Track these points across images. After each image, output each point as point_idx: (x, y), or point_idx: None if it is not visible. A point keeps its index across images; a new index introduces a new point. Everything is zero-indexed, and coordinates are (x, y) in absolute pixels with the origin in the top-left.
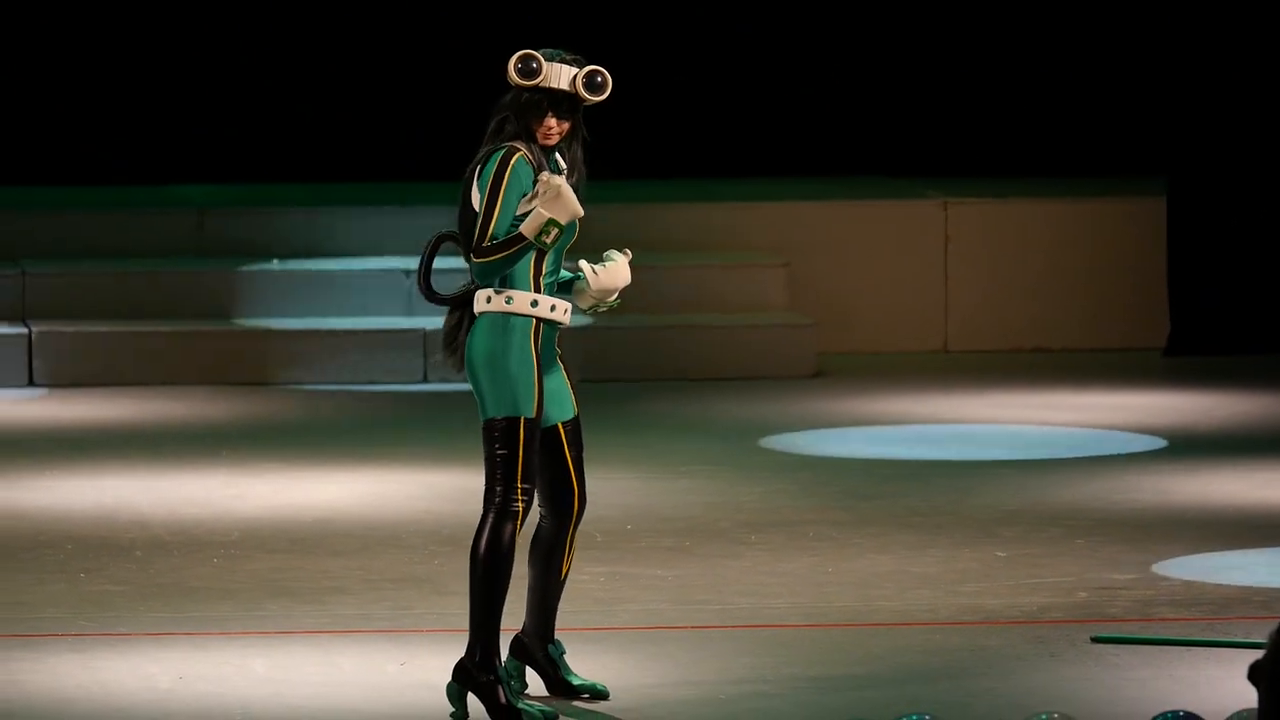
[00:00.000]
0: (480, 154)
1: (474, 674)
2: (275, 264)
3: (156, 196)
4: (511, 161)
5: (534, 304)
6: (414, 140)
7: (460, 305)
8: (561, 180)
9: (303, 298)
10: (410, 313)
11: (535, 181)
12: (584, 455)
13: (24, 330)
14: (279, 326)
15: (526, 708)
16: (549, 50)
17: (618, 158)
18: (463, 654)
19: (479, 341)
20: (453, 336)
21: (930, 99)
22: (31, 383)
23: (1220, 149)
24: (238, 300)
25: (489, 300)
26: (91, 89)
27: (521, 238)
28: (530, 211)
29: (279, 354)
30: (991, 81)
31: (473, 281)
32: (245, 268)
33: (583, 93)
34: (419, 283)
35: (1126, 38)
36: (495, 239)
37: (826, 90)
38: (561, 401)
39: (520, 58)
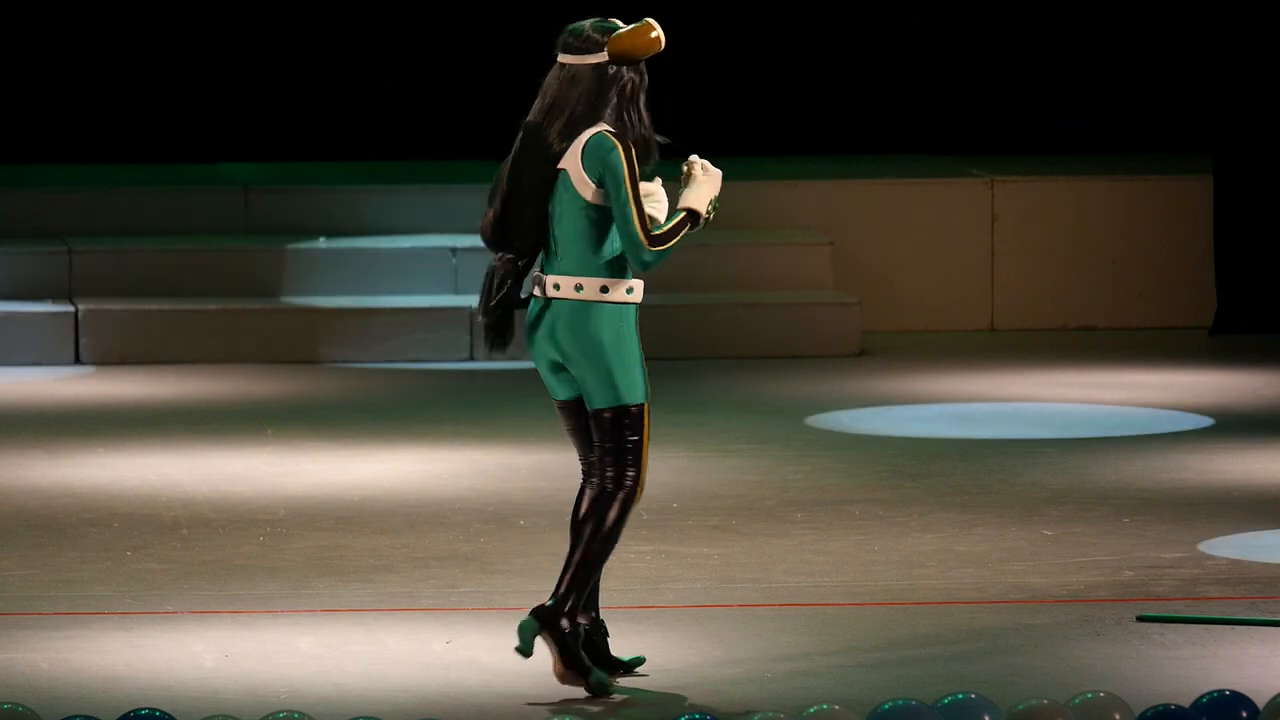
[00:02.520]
0: (571, 129)
1: (561, 624)
2: (321, 242)
3: (203, 175)
4: (627, 150)
5: (629, 290)
6: (460, 118)
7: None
8: (704, 160)
9: (349, 276)
10: (456, 291)
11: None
12: None
13: (71, 308)
14: (325, 305)
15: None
16: (595, 20)
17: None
18: (548, 602)
19: (602, 330)
20: (509, 323)
21: (976, 77)
22: (78, 361)
23: (1267, 127)
24: (284, 278)
25: (604, 290)
26: (138, 67)
27: (686, 222)
28: (651, 195)
29: (325, 332)
30: (1038, 59)
31: (541, 270)
32: (291, 246)
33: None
34: (494, 308)
35: (1173, 14)
36: (659, 226)
37: (872, 68)
38: None
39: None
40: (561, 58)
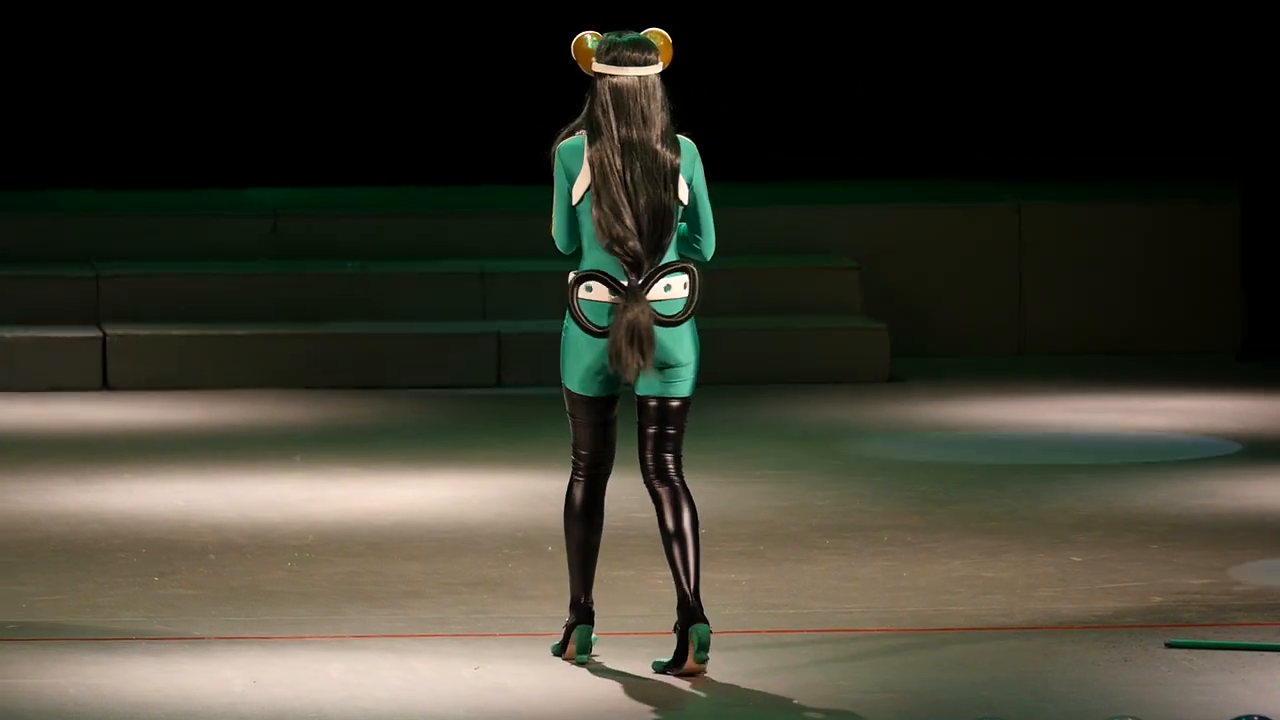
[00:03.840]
0: (669, 135)
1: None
2: (350, 267)
3: (230, 200)
4: None
5: None
6: (487, 143)
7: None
8: None
9: (377, 301)
10: (484, 316)
11: None
12: None
13: (98, 333)
14: (353, 330)
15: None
16: (630, 34)
17: None
18: (687, 596)
19: (693, 327)
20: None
21: (1003, 101)
22: (106, 386)
23: None
24: (312, 304)
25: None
26: (166, 92)
27: None
28: None
29: (353, 357)
30: (1065, 83)
31: (657, 269)
32: (320, 271)
33: None
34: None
35: (1201, 38)
36: None
37: (899, 94)
38: None
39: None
40: (634, 71)
